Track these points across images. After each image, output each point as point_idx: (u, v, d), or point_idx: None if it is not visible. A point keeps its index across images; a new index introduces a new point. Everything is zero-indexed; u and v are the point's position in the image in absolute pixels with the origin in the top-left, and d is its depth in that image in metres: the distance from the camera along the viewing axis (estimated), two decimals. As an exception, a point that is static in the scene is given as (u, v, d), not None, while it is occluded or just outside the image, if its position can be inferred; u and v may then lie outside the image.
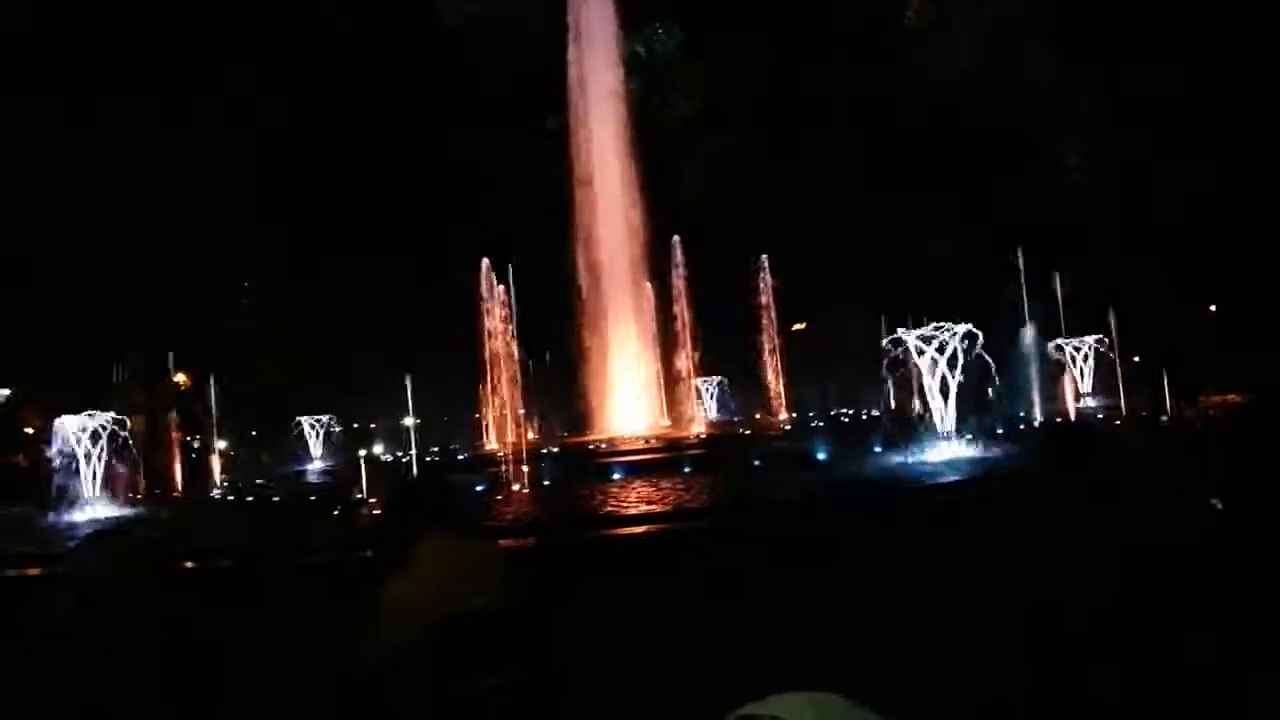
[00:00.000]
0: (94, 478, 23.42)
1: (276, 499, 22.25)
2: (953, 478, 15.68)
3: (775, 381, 33.65)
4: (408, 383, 23.66)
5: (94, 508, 22.28)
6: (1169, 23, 31.56)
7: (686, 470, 19.44)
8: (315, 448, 37.48)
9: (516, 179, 35.76)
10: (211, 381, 32.55)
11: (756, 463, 19.88)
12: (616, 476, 19.12)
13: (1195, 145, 31.55)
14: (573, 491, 17.79)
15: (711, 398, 37.25)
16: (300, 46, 36.23)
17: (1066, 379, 31.17)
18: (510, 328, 25.52)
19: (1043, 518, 4.55)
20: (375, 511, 16.25)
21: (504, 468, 20.54)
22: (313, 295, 37.66)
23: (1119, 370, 29.28)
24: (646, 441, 24.31)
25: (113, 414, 24.28)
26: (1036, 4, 35.62)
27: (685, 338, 31.09)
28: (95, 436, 23.67)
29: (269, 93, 36.37)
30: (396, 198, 37.05)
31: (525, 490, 19.10)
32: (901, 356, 20.34)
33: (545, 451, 23.72)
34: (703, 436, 26.07)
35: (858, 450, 20.42)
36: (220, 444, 33.47)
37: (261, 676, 6.00)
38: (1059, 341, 32.60)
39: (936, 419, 19.76)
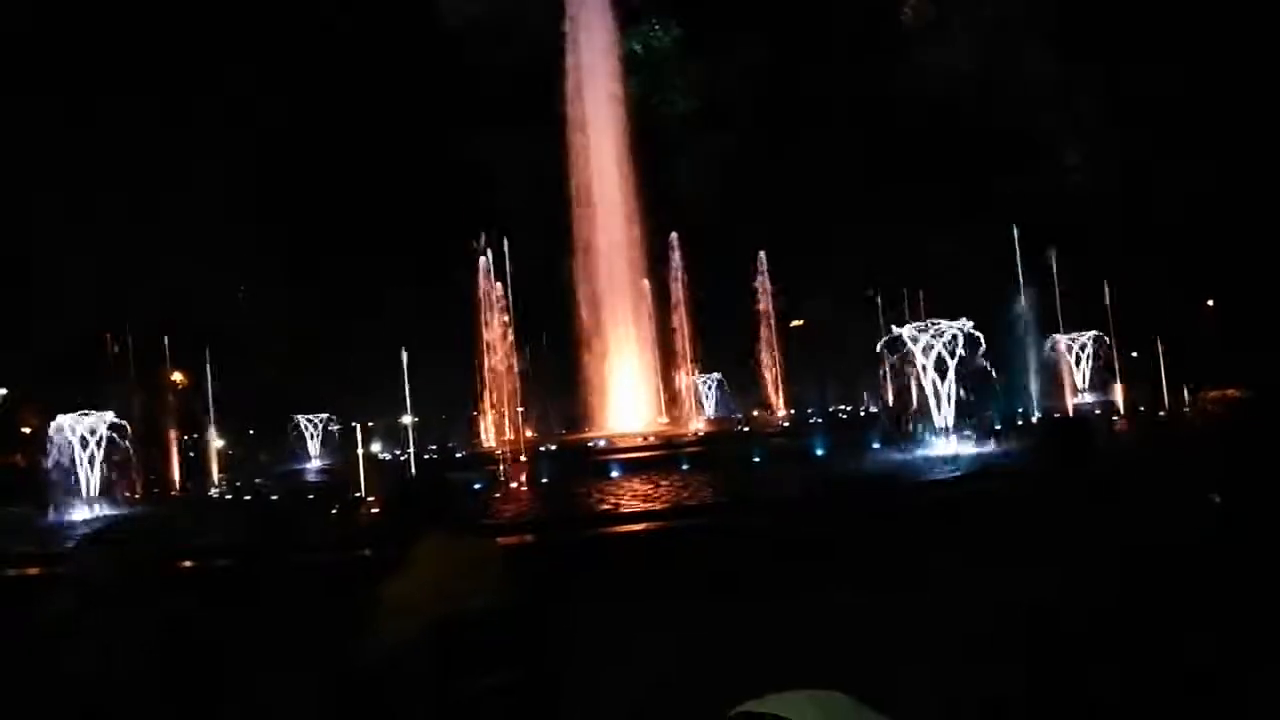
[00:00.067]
0: (92, 477, 23.40)
1: (275, 498, 22.25)
2: (951, 474, 15.69)
3: (774, 379, 33.69)
4: (404, 366, 23.58)
5: (93, 507, 22.27)
6: (1169, 23, 31.56)
7: (685, 468, 19.47)
8: (313, 447, 37.47)
9: (516, 179, 35.74)
10: (210, 380, 32.54)
11: (755, 460, 19.90)
12: (615, 474, 19.15)
13: (1195, 145, 31.55)
14: (571, 489, 17.79)
15: (710, 395, 37.27)
16: (300, 46, 36.22)
17: (1065, 375, 31.20)
18: (508, 326, 25.55)
19: (1042, 515, 4.54)
20: (374, 510, 16.25)
21: (502, 466, 20.56)
22: (313, 295, 37.63)
23: (1117, 366, 29.33)
24: (645, 439, 24.36)
25: (111, 414, 24.25)
26: (1036, 4, 35.62)
27: (684, 335, 31.13)
28: (93, 436, 23.63)
29: (269, 93, 36.34)
30: (396, 198, 37.03)
31: (524, 488, 19.11)
32: (900, 354, 20.37)
33: (544, 449, 23.74)
34: (701, 434, 26.10)
35: (856, 447, 20.45)
36: (218, 443, 33.47)
37: (261, 676, 6.00)
38: (1057, 338, 32.62)
39: (935, 416, 19.78)
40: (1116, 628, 3.95)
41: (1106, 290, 30.84)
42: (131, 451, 24.43)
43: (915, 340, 20.13)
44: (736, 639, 7.32)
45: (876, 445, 20.36)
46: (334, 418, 37.78)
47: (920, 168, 33.60)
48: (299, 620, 8.20)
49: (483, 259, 27.85)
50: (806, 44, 35.90)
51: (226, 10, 36.65)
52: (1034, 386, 28.07)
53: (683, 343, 31.06)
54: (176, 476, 30.72)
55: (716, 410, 36.10)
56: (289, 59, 35.93)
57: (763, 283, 32.52)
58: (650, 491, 16.57)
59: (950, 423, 19.60)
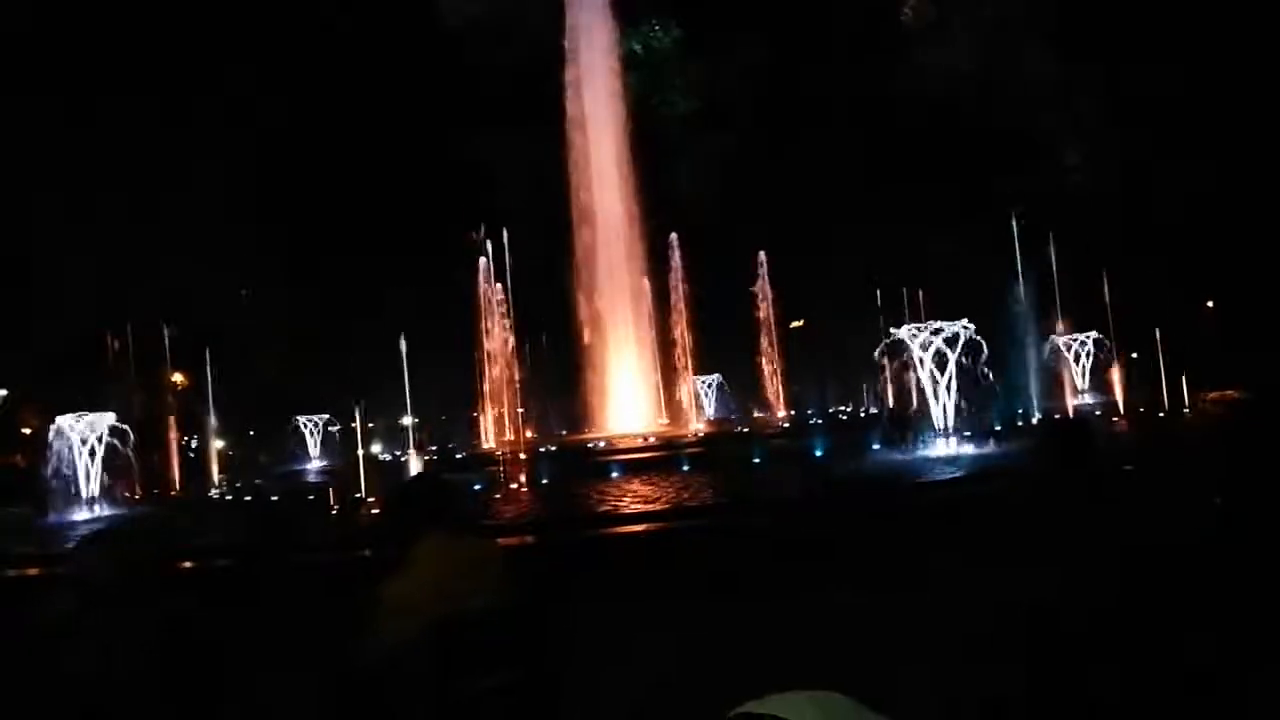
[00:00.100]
0: (92, 478, 23.39)
1: (275, 498, 22.25)
2: (952, 475, 15.69)
3: (774, 379, 33.67)
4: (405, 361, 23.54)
5: (93, 508, 22.27)
6: (1169, 23, 31.55)
7: (685, 468, 19.46)
8: (313, 447, 37.46)
9: (516, 179, 35.73)
10: (210, 380, 32.52)
11: (755, 460, 19.89)
12: (615, 475, 19.14)
13: (1195, 145, 31.55)
14: (571, 490, 17.79)
15: (710, 396, 37.26)
16: (300, 46, 36.21)
17: (1065, 375, 31.21)
18: (508, 326, 25.54)
19: (1042, 515, 4.54)
20: (374, 511, 16.25)
21: (502, 466, 20.55)
22: (313, 295, 37.63)
23: (1117, 367, 29.31)
24: (645, 439, 24.33)
25: (111, 414, 24.24)
26: (1036, 4, 35.61)
27: (683, 336, 31.11)
28: (93, 434, 23.62)
29: (269, 93, 36.33)
30: (396, 198, 37.02)
31: (524, 489, 19.10)
32: (900, 355, 20.37)
33: (543, 450, 23.72)
34: (701, 435, 26.08)
35: (856, 448, 20.44)
36: (218, 443, 33.46)
37: (261, 676, 6.00)
38: (1057, 338, 32.61)
39: (935, 416, 19.78)
40: (1116, 628, 3.95)
41: (1107, 290, 30.85)
42: (131, 452, 24.45)
43: (914, 338, 20.14)
44: (736, 639, 7.32)
45: (876, 446, 20.35)
46: (333, 418, 37.75)
47: (920, 168, 33.58)
48: (299, 620, 8.20)
49: (483, 259, 27.83)
50: (806, 44, 35.88)
51: (226, 10, 36.64)
52: (1034, 387, 28.06)
53: (682, 343, 31.04)
54: (176, 477, 30.70)
55: (716, 411, 36.08)
56: (289, 59, 35.92)
57: (762, 284, 32.50)
58: (650, 492, 16.56)
59: (950, 424, 19.61)
